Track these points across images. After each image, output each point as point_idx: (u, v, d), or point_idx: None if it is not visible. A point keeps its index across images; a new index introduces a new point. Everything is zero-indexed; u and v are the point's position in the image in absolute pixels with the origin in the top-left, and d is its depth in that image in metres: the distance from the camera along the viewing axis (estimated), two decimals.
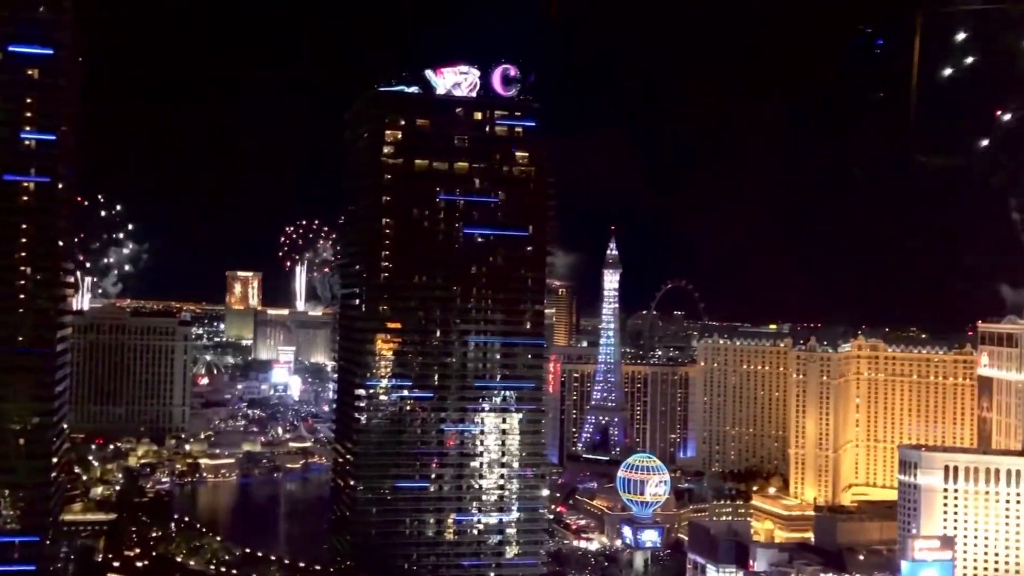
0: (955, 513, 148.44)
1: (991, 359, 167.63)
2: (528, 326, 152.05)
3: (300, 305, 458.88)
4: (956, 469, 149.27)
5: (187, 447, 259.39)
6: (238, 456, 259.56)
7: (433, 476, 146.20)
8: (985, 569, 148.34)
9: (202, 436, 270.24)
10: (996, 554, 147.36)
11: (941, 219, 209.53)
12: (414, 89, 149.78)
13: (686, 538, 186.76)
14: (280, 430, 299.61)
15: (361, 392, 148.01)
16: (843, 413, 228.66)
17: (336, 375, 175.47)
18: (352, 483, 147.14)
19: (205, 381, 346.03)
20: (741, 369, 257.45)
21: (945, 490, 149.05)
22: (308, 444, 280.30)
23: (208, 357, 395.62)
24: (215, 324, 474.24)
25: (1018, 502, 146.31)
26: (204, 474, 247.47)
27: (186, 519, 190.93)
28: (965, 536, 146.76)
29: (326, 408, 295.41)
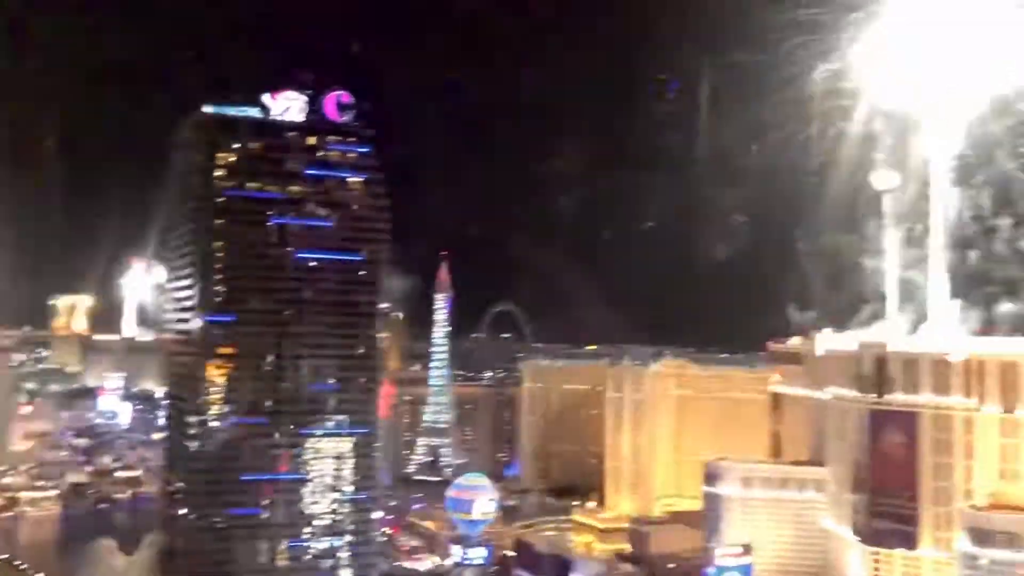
0: (753, 520, 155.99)
1: (782, 377, 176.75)
2: (361, 350, 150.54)
3: (130, 330, 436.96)
4: (753, 479, 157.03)
5: (6, 480, 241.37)
6: (63, 488, 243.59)
7: (266, 502, 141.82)
8: (779, 571, 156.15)
9: (23, 468, 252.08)
10: (788, 556, 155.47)
11: (739, 247, 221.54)
12: (247, 112, 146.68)
13: (513, 554, 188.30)
14: (108, 459, 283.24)
15: (192, 419, 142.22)
16: (654, 428, 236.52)
17: (167, 402, 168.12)
18: (183, 511, 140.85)
19: (28, 410, 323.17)
20: (563, 388, 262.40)
21: (744, 499, 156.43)
22: (137, 473, 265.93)
23: (31, 385, 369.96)
24: (39, 350, 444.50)
25: (806, 508, 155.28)
26: (25, 508, 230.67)
27: (3, 557, 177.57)
28: (761, 541, 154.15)
29: (156, 436, 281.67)
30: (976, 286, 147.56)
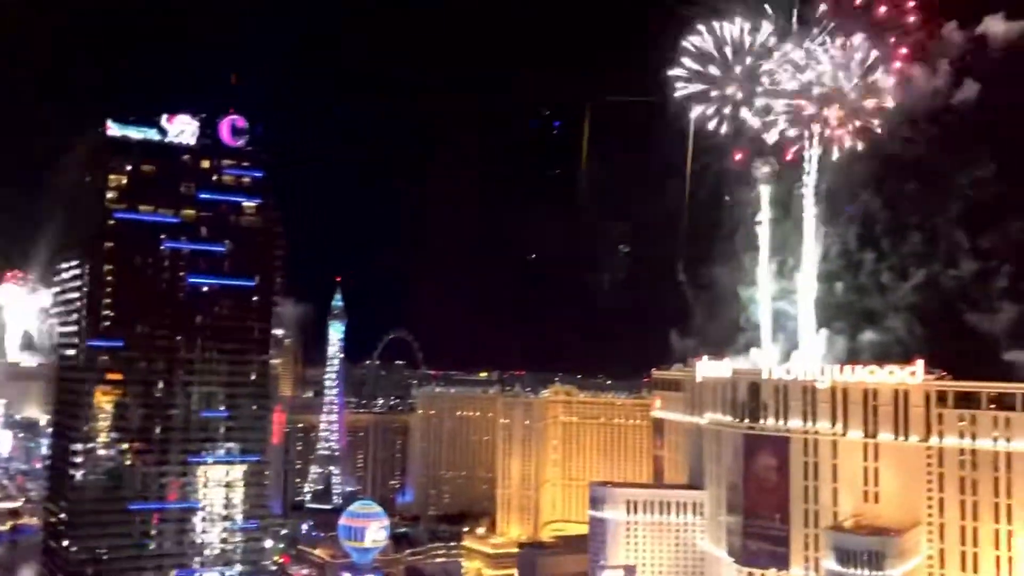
0: (636, 543, 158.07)
1: (663, 403, 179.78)
2: (253, 377, 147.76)
3: (13, 355, 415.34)
4: (636, 503, 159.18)
5: None
6: None
7: (153, 532, 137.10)
8: None
9: None
10: None
11: (621, 278, 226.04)
12: (140, 134, 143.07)
13: None
14: None
15: (78, 447, 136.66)
16: (543, 454, 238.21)
17: (52, 429, 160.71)
18: (65, 544, 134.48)
19: None
20: (455, 415, 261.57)
21: (627, 522, 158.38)
22: (17, 504, 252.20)
23: None
24: None
25: (685, 530, 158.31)
26: None
27: None
28: (644, 563, 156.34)
29: (39, 465, 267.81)
30: (842, 316, 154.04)
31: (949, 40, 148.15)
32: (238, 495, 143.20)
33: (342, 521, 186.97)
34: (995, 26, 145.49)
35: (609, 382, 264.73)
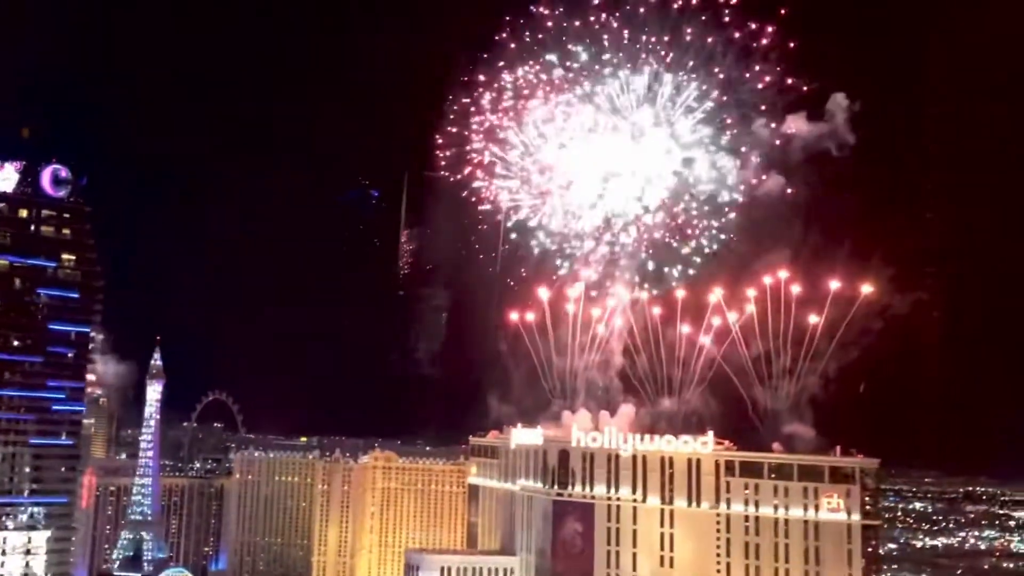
0: None
1: (479, 469, 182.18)
2: (64, 437, 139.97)
3: None
4: (450, 569, 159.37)
5: None
6: None
7: None
8: None
9: None
10: None
11: (442, 345, 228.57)
12: None
13: None
14: None
15: None
16: (361, 520, 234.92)
17: None
18: None
19: None
20: (274, 480, 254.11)
21: None
22: None
23: None
24: None
25: None
26: None
27: None
28: None
29: None
30: (644, 387, 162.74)
31: (757, 135, 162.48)
32: (39, 563, 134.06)
33: None
34: (799, 125, 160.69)
35: (428, 448, 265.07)
